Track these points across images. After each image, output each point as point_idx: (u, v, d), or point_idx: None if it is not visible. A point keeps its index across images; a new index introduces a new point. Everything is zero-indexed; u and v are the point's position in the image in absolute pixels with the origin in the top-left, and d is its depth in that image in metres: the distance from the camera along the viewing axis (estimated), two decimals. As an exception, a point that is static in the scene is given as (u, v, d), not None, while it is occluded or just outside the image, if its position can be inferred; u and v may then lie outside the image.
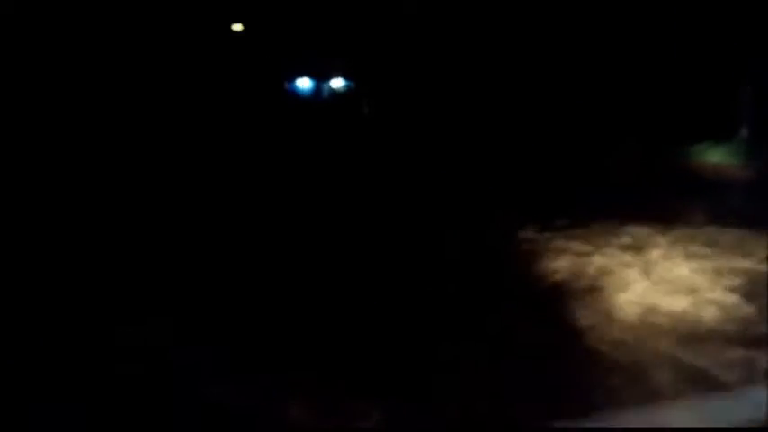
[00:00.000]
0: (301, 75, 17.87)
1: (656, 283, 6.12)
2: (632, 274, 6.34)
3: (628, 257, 6.78)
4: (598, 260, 6.71)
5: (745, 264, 6.37)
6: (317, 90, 18.13)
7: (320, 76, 17.76)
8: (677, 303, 5.53)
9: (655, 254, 6.83)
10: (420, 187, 10.12)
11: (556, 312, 5.45)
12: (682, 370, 4.38)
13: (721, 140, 12.36)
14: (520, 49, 14.13)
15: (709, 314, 5.33)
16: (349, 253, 6.96)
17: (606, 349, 4.75)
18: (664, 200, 8.82)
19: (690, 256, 6.70)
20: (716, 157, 12.24)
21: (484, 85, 14.31)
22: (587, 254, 6.90)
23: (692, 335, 4.96)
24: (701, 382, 4.24)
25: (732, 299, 5.61)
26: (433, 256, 6.93)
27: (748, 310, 5.38)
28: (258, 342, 4.79)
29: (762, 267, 6.26)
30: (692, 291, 5.80)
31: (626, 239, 7.42)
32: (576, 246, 7.16)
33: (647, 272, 6.38)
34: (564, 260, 6.78)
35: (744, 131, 12.62)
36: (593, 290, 5.98)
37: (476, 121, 13.69)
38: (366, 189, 10.16)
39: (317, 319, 5.25)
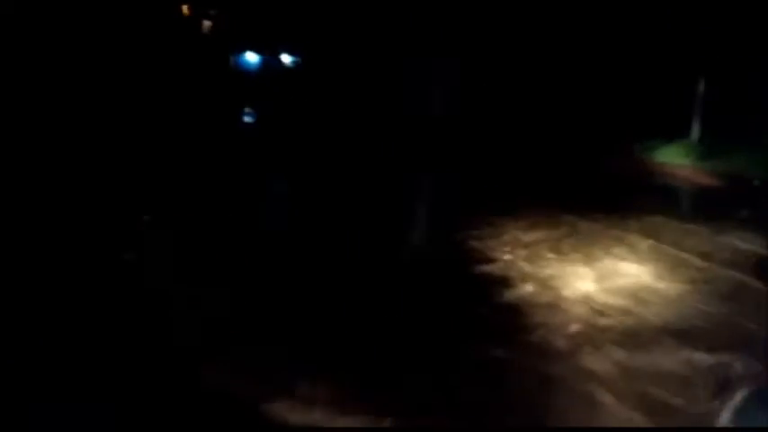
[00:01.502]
0: (249, 49, 17.30)
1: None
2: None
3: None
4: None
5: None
6: (266, 64, 17.58)
7: (268, 51, 17.23)
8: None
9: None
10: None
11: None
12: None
13: (671, 138, 11.94)
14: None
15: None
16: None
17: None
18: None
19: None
20: (665, 156, 11.84)
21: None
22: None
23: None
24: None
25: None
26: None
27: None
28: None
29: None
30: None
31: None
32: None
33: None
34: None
35: (695, 130, 12.17)
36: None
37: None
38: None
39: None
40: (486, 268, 6.50)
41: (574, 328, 5.21)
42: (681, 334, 5.10)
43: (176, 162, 9.51)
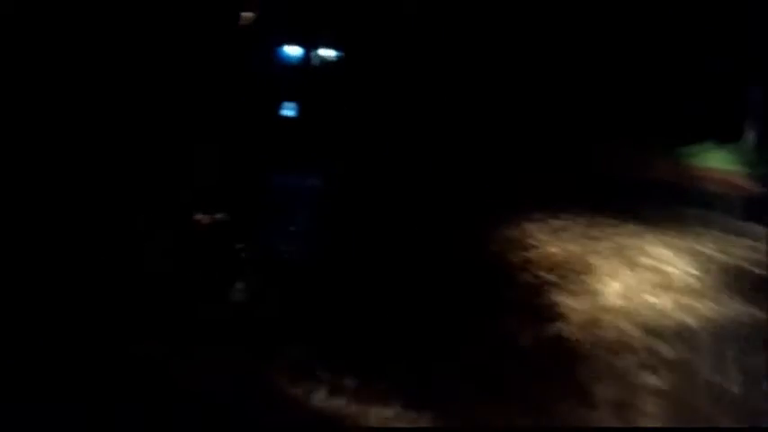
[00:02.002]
0: (291, 42, 17.28)
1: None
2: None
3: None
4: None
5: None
6: (307, 58, 17.54)
7: (310, 45, 17.18)
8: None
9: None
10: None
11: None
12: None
13: (724, 142, 11.37)
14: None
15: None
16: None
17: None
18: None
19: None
20: (715, 161, 11.29)
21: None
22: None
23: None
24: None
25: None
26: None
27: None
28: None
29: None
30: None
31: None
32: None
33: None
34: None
35: (751, 135, 11.55)
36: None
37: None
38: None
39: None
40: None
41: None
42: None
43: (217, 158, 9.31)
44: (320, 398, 4.07)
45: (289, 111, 14.84)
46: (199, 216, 7.19)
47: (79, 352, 4.38)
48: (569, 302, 5.68)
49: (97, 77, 8.81)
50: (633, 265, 6.63)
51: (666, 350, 4.79)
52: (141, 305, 5.10)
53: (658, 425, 3.93)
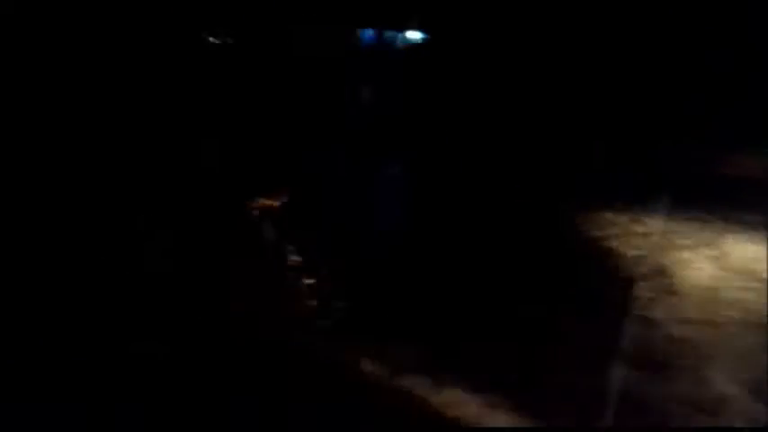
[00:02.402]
0: (375, 24, 16.75)
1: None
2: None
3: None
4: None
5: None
6: (391, 40, 16.94)
7: (394, 26, 16.52)
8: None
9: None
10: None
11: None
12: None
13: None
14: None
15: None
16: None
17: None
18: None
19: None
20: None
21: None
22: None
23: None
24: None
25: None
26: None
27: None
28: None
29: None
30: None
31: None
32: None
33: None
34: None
35: None
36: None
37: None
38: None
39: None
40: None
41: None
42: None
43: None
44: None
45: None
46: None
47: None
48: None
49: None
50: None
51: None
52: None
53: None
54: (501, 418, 3.87)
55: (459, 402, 4.03)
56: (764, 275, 6.12)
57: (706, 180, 9.34)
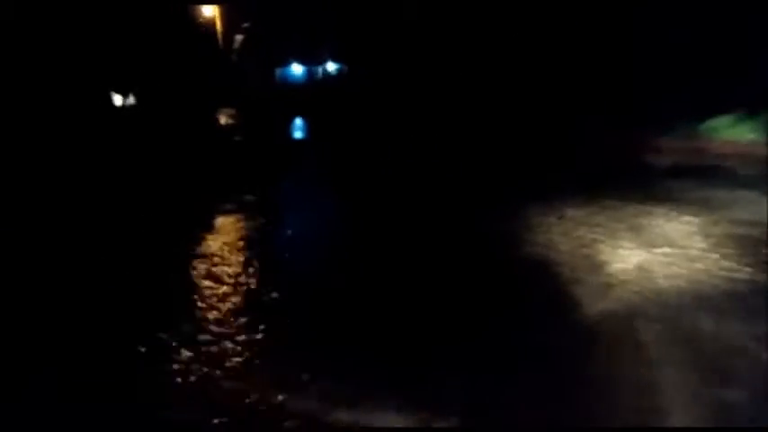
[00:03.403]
0: (294, 61, 17.41)
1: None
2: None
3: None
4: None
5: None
6: (310, 73, 17.63)
7: (312, 61, 17.31)
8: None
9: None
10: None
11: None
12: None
13: (751, 113, 10.64)
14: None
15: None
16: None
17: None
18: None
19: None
20: (740, 133, 10.51)
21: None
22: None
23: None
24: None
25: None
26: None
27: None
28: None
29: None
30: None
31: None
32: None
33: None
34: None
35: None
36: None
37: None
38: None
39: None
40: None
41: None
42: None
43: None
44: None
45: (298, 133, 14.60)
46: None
47: (80, 352, 4.39)
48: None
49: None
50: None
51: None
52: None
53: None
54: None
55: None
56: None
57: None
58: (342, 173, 9.91)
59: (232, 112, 14.94)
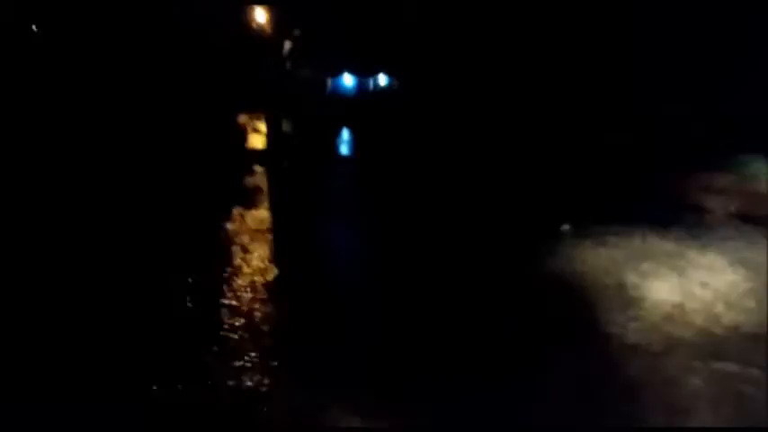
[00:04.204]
0: (346, 71, 17.62)
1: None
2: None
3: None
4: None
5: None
6: (362, 86, 17.80)
7: (364, 73, 17.47)
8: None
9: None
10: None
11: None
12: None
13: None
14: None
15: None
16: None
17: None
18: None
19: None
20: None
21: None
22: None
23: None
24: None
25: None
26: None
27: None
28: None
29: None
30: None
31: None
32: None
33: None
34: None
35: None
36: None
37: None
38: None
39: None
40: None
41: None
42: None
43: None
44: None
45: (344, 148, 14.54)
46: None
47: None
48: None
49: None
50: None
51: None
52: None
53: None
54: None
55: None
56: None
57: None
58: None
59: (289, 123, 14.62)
